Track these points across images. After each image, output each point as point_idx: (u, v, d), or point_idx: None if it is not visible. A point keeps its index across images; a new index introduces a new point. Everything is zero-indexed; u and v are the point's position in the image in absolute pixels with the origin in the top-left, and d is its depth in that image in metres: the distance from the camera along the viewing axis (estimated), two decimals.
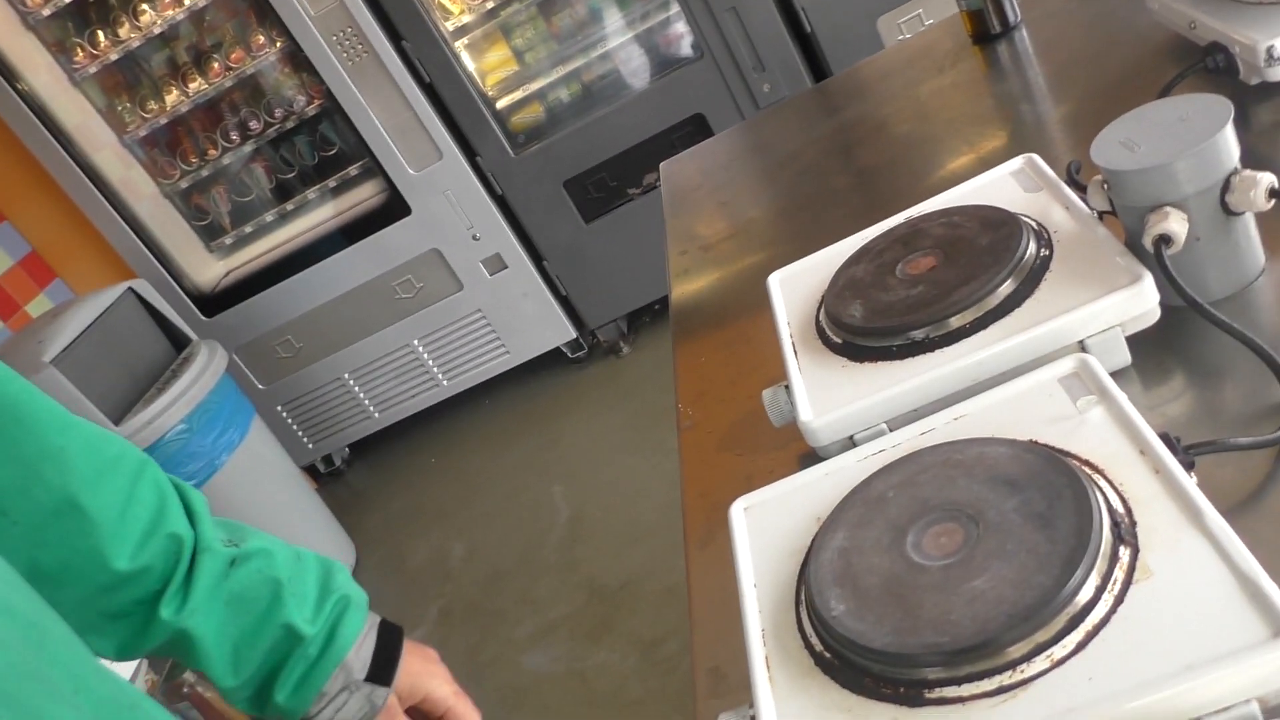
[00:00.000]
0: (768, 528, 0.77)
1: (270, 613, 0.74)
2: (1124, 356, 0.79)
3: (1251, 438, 0.68)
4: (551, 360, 3.30)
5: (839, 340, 0.91)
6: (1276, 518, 0.64)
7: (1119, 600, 0.58)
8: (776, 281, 1.06)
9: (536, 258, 3.18)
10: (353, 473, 3.54)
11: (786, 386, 0.90)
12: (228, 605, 0.74)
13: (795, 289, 1.03)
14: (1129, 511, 0.62)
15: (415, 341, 3.27)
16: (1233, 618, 0.54)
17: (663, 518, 2.37)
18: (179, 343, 2.83)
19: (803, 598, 0.68)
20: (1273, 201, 0.75)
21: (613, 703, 2.08)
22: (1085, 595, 0.58)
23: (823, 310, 0.95)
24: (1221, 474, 0.67)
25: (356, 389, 3.35)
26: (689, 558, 0.89)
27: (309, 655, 0.74)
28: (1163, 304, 0.78)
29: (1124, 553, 0.60)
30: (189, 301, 3.22)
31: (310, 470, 3.46)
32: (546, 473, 2.92)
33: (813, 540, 0.72)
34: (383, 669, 0.76)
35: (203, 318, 3.24)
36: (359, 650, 0.76)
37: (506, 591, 2.58)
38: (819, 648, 0.65)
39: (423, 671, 0.80)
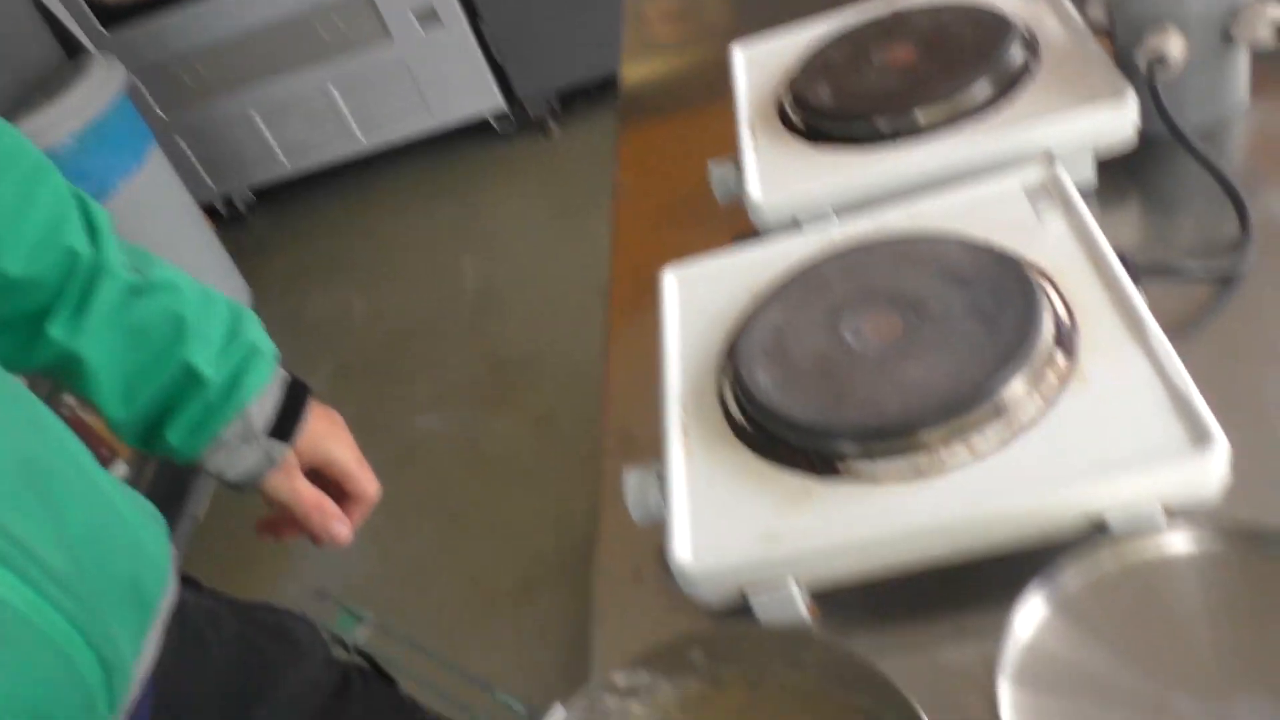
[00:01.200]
0: (699, 299, 0.74)
1: (170, 350, 0.69)
2: (1089, 177, 0.77)
3: (1202, 263, 0.67)
4: (477, 133, 3.16)
5: (800, 122, 0.87)
6: (1212, 347, 0.64)
7: (1049, 402, 0.57)
8: (741, 54, 0.99)
9: (473, 15, 2.98)
10: (256, 219, 3.40)
11: (736, 160, 0.86)
12: (126, 336, 0.68)
13: (761, 66, 0.97)
14: (1073, 320, 0.61)
15: (332, 86, 3.07)
16: (1159, 425, 0.54)
17: (576, 299, 2.34)
18: (73, 51, 2.59)
19: (729, 368, 0.67)
20: (1276, 43, 0.72)
21: (503, 470, 2.12)
22: (1015, 392, 0.57)
23: (788, 90, 0.90)
24: (1167, 301, 0.66)
25: (265, 130, 3.16)
26: (611, 325, 0.87)
27: (207, 399, 0.69)
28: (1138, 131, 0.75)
29: (1061, 358, 0.59)
30: (86, 8, 2.93)
31: (210, 211, 3.30)
32: (461, 242, 2.85)
33: (747, 315, 0.70)
34: (285, 426, 0.72)
35: (102, 29, 2.96)
36: (262, 403, 0.71)
37: (407, 354, 2.56)
38: (738, 417, 0.63)
39: (327, 434, 0.76)
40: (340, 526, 0.74)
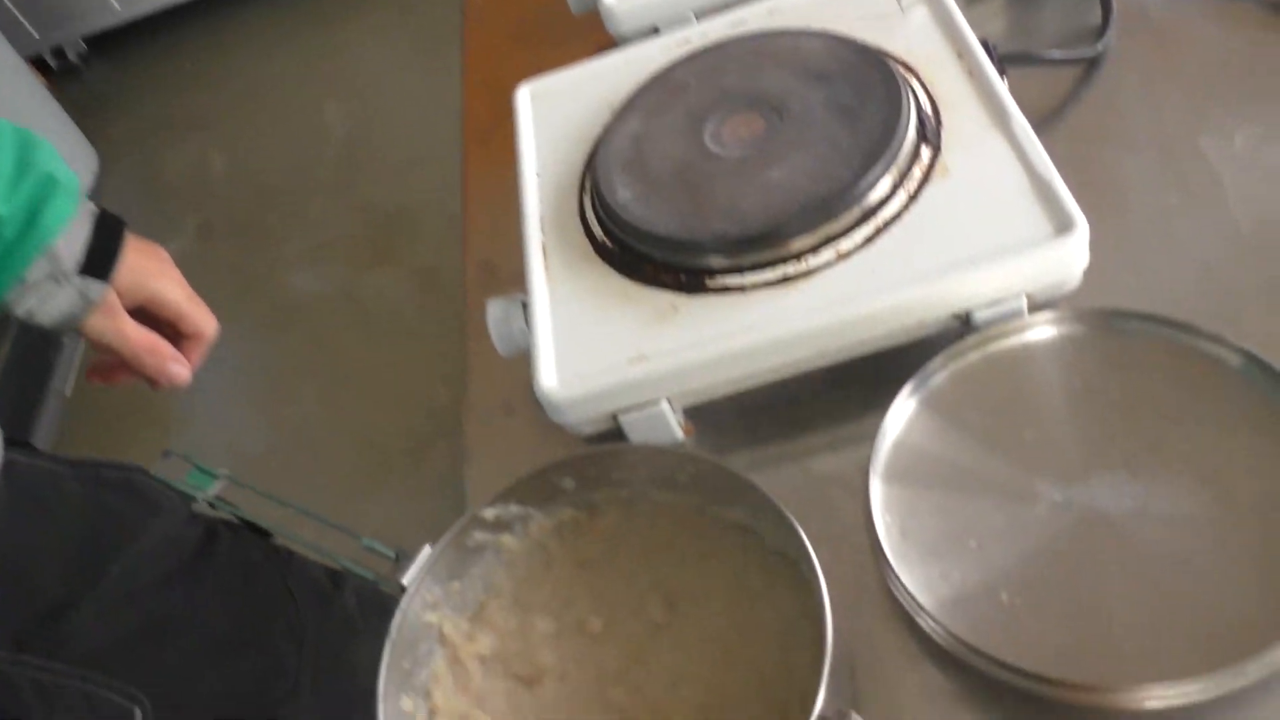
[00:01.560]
0: (557, 115, 0.70)
1: None
2: None
3: (1064, 51, 0.65)
4: None
5: None
6: (1074, 133, 0.63)
7: (913, 198, 0.56)
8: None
9: None
10: (92, 72, 3.12)
11: None
12: None
13: None
14: (936, 113, 0.59)
15: None
16: (1022, 214, 0.53)
17: (447, 146, 2.24)
18: None
19: (588, 185, 0.63)
20: None
21: (387, 326, 2.06)
22: (881, 191, 0.56)
23: None
24: (1029, 91, 0.64)
25: None
26: (466, 153, 0.82)
27: (3, 237, 0.62)
28: None
29: (925, 152, 0.57)
30: None
31: (39, 65, 3.01)
32: (321, 86, 2.67)
33: (604, 128, 0.66)
34: (101, 263, 0.65)
35: None
36: (69, 239, 0.64)
37: (274, 209, 2.42)
38: (600, 236, 0.60)
39: (151, 270, 0.69)
40: (177, 367, 0.69)
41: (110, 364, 0.69)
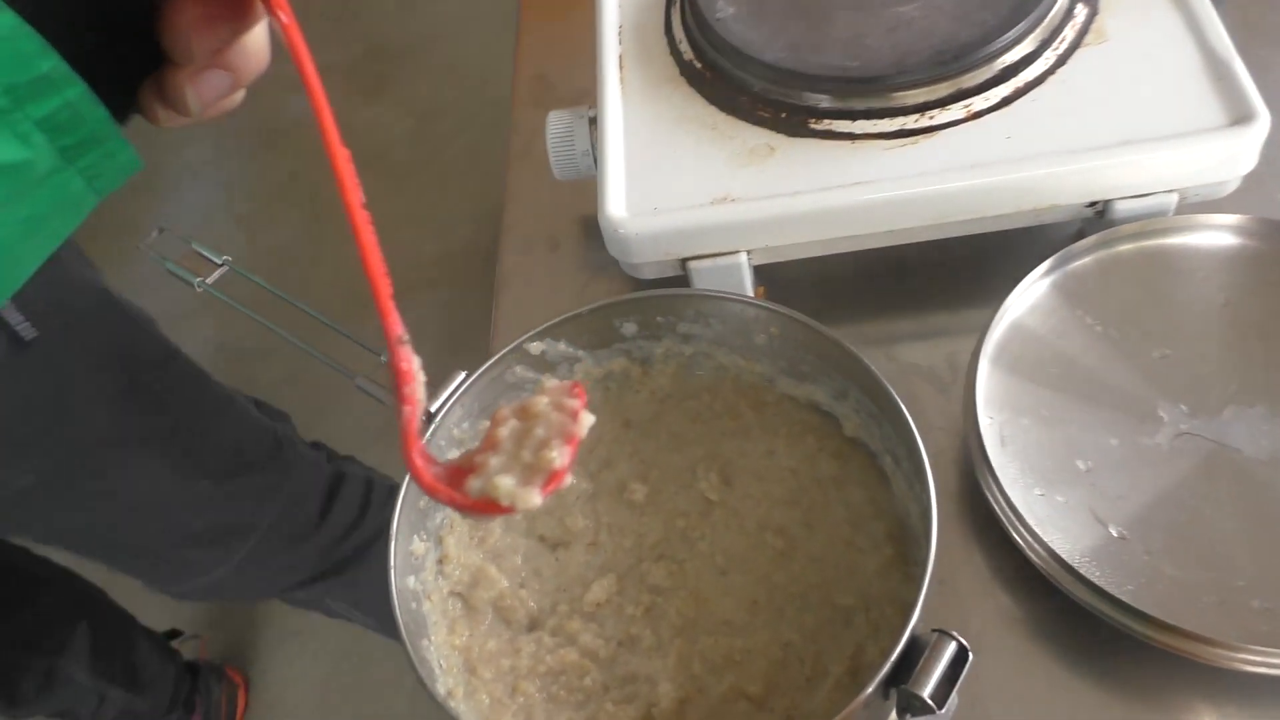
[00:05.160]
0: None
1: None
2: None
3: None
4: None
5: None
6: (1244, 22, 0.55)
7: (1061, 61, 0.48)
8: None
9: None
10: None
11: None
12: None
13: None
14: None
15: None
16: (1191, 96, 0.45)
17: None
18: None
19: None
20: None
21: (376, 163, 1.95)
22: (1026, 47, 0.48)
23: None
24: None
25: None
26: None
27: None
28: None
29: (1081, 10, 0.49)
30: None
31: None
32: None
33: None
34: None
35: None
36: None
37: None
38: (689, 56, 0.52)
39: None
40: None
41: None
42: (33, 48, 0.21)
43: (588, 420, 0.29)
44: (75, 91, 0.22)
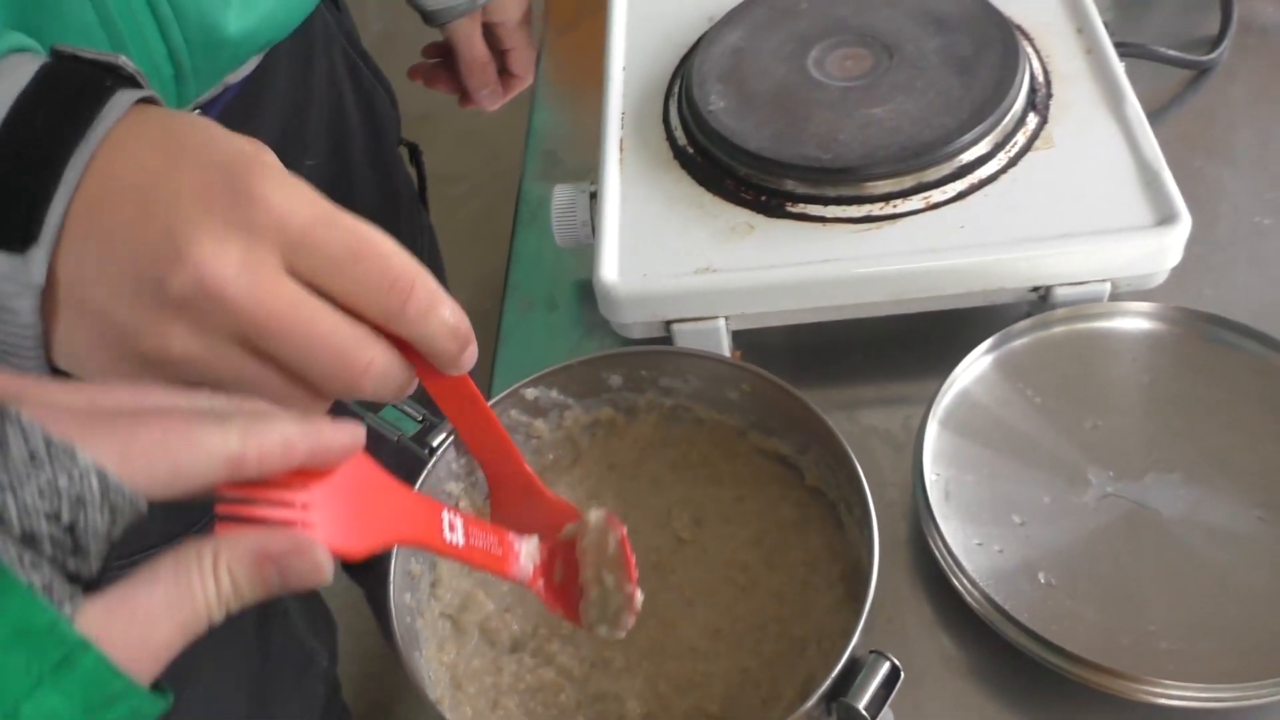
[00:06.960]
0: (651, 15, 0.67)
1: None
2: None
3: (1180, 53, 0.64)
4: None
5: None
6: (1174, 137, 0.61)
7: (1012, 163, 0.54)
8: None
9: None
10: None
11: None
12: None
13: None
14: (1048, 82, 0.57)
15: None
16: (1124, 198, 0.51)
17: None
18: None
19: (677, 88, 0.61)
20: None
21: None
22: (981, 149, 0.54)
23: None
24: (1136, 84, 0.62)
25: None
26: (545, 43, 0.79)
27: None
28: None
29: (1032, 119, 0.55)
30: None
31: None
32: None
33: (702, 35, 0.63)
34: None
35: None
36: None
37: None
38: (683, 141, 0.58)
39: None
40: (492, 94, 0.74)
41: (436, 70, 0.76)
42: (110, 673, 0.23)
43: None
44: (139, 698, 0.24)
